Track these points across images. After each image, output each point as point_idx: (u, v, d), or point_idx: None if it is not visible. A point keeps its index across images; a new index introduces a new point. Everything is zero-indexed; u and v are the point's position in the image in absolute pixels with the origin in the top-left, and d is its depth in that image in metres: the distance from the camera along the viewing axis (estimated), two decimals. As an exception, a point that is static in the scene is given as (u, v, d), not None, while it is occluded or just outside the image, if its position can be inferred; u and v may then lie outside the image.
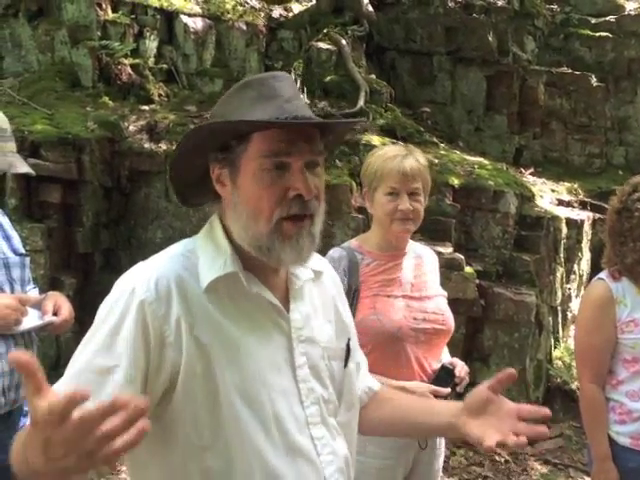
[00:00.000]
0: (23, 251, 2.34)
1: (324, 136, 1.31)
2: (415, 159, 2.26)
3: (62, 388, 1.12)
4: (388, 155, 2.22)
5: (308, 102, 5.02)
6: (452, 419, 1.37)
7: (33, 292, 2.39)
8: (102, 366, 1.18)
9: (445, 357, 2.36)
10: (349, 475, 1.40)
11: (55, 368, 4.55)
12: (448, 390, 2.18)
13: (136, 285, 1.23)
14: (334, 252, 2.25)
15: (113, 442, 0.87)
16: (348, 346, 1.46)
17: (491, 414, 1.31)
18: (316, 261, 1.41)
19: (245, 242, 1.27)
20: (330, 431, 1.35)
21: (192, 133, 1.28)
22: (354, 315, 1.92)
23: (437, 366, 2.23)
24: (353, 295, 2.17)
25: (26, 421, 2.30)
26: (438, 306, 2.31)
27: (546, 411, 1.29)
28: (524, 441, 1.24)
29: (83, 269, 4.80)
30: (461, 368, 2.23)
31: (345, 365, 1.43)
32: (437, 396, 2.14)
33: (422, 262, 2.37)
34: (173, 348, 1.19)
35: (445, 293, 2.41)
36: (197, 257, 1.28)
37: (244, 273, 1.27)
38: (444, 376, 2.20)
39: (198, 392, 1.21)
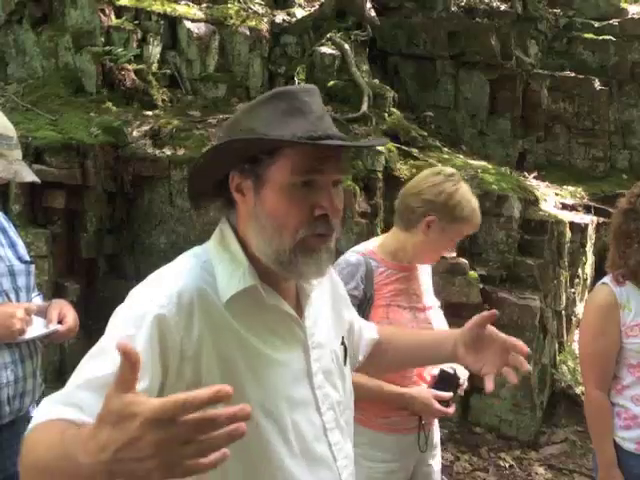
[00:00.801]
0: (28, 258, 2.34)
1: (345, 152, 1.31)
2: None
3: (70, 397, 1.09)
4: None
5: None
6: (455, 350, 1.55)
7: (37, 299, 2.39)
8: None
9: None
10: (354, 473, 1.43)
11: (59, 375, 4.55)
12: (450, 394, 2.22)
13: (155, 298, 1.20)
14: (351, 257, 2.25)
15: (209, 452, 0.84)
16: (343, 343, 1.47)
17: (487, 347, 1.51)
18: None
19: (265, 255, 1.25)
20: (343, 434, 1.37)
21: (225, 145, 1.24)
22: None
23: (435, 372, 2.25)
24: (367, 302, 2.20)
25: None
26: (439, 318, 2.38)
27: (524, 348, 1.48)
28: (513, 378, 1.50)
29: (87, 274, 4.81)
30: (461, 371, 2.24)
31: (345, 363, 1.45)
32: (440, 401, 2.20)
33: (421, 272, 2.39)
34: (192, 363, 1.17)
35: (438, 302, 2.46)
36: (212, 268, 1.26)
37: (261, 285, 1.26)
38: (444, 380, 2.23)
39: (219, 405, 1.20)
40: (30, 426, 1.08)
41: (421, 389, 2.22)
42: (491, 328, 1.51)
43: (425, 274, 2.43)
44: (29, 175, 2.25)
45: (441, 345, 1.61)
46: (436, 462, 2.43)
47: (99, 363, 1.13)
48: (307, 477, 1.26)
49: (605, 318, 2.36)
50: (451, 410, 2.25)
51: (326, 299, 1.46)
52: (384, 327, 1.82)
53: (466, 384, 2.29)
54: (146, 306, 1.19)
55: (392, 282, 2.26)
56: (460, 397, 2.25)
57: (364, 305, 2.17)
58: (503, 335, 1.50)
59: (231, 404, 1.17)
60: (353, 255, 2.26)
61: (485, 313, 1.50)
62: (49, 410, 1.07)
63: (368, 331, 1.68)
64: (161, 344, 1.15)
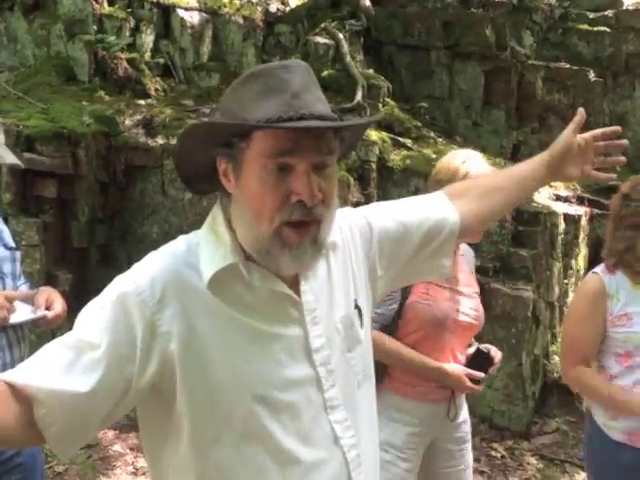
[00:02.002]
0: (13, 245, 2.33)
1: (337, 133, 1.22)
2: (480, 161, 2.51)
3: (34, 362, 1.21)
4: (487, 169, 2.42)
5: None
6: (548, 169, 1.56)
7: (23, 287, 2.38)
8: (82, 340, 1.19)
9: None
10: (374, 456, 1.39)
11: (51, 363, 4.54)
12: (482, 374, 2.35)
13: (125, 279, 1.22)
14: None
15: None
16: (357, 306, 1.39)
17: (575, 155, 1.53)
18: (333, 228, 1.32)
19: (246, 242, 1.22)
20: (355, 411, 1.31)
21: (190, 130, 1.22)
22: (408, 297, 2.31)
23: (471, 350, 2.42)
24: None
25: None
26: (476, 304, 2.48)
27: (617, 129, 1.56)
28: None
29: (79, 264, 4.78)
30: (495, 352, 2.41)
31: (361, 325, 1.37)
32: (471, 380, 2.34)
33: (464, 260, 2.52)
34: (165, 339, 1.17)
35: (478, 290, 2.57)
36: (198, 250, 1.25)
37: (246, 264, 1.23)
38: (478, 359, 2.36)
39: (200, 388, 1.19)
40: None
41: (456, 366, 2.34)
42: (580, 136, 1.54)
43: (469, 262, 2.57)
44: (9, 157, 2.24)
45: (532, 178, 1.60)
46: (465, 456, 2.57)
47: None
48: (302, 455, 1.23)
49: (592, 306, 2.38)
50: (480, 388, 2.39)
51: (346, 268, 1.39)
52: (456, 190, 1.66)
53: (498, 364, 2.44)
54: (116, 285, 1.23)
55: None
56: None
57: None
58: (587, 136, 1.55)
59: (216, 384, 1.18)
60: None
61: (577, 120, 1.54)
62: None
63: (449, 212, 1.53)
64: (128, 318, 1.18)
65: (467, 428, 2.58)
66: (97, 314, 1.21)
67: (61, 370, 1.17)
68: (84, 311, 1.23)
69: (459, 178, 2.28)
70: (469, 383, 2.32)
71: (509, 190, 1.58)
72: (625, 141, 1.56)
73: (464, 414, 2.54)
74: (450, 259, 1.57)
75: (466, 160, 2.39)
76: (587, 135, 1.54)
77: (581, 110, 1.51)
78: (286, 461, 1.22)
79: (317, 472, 1.25)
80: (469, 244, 2.55)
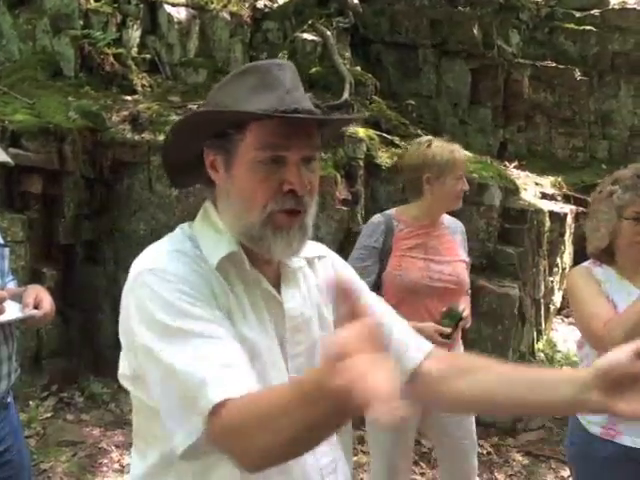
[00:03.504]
0: (1, 241, 2.31)
1: (320, 129, 1.28)
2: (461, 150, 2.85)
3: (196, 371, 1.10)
4: (450, 148, 2.77)
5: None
6: (580, 395, 1.12)
7: (11, 284, 2.36)
8: (198, 319, 1.15)
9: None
10: (346, 461, 1.40)
11: (36, 360, 4.51)
12: (449, 330, 2.60)
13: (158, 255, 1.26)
14: (374, 218, 2.80)
15: None
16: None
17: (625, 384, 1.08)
18: (312, 248, 1.41)
19: (236, 230, 1.26)
20: None
21: (188, 119, 1.25)
22: (384, 269, 2.67)
23: (443, 309, 2.65)
24: (386, 253, 2.70)
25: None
26: (455, 269, 2.76)
27: None
28: None
29: (64, 261, 4.75)
30: (464, 307, 2.70)
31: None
32: (441, 335, 2.57)
33: (447, 232, 2.83)
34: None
35: (466, 259, 2.88)
36: (197, 241, 1.27)
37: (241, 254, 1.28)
38: (449, 315, 2.62)
39: None
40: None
41: (427, 324, 2.57)
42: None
43: (454, 234, 2.86)
44: (1, 155, 2.22)
45: (553, 388, 1.17)
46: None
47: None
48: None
49: (588, 275, 2.37)
50: (449, 342, 2.60)
51: (320, 283, 1.40)
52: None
53: (469, 321, 2.76)
54: (154, 259, 1.25)
55: (410, 237, 2.73)
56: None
57: (383, 255, 2.70)
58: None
59: None
60: (377, 217, 2.80)
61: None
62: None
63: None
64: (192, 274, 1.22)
65: None
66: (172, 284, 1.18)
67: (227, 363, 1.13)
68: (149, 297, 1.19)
69: (428, 161, 2.68)
70: (439, 338, 2.54)
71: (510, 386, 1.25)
72: None
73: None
74: None
75: (431, 143, 2.76)
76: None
77: None
78: None
79: (288, 473, 1.24)
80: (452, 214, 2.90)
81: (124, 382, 1.33)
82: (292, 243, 1.25)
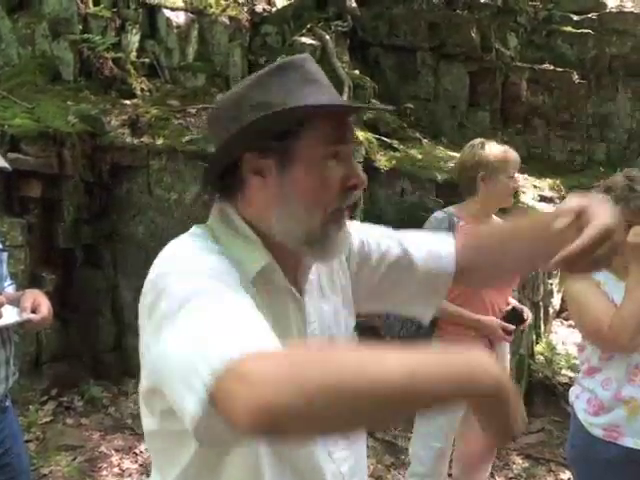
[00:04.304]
0: (0, 246, 2.31)
1: None
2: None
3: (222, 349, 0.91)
4: (503, 149, 3.01)
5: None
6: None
7: (10, 288, 2.36)
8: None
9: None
10: (363, 465, 1.38)
11: (36, 365, 4.51)
12: (513, 327, 2.95)
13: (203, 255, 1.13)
14: (438, 214, 3.02)
15: None
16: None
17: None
18: None
19: (293, 238, 1.17)
20: None
21: (258, 121, 1.13)
22: None
23: (507, 308, 3.00)
24: None
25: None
26: None
27: None
28: None
29: (64, 265, 4.76)
30: (527, 311, 3.05)
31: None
32: (504, 330, 2.95)
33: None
34: None
35: None
36: (226, 247, 1.17)
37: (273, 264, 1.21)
38: (512, 315, 2.98)
39: None
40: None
41: (492, 318, 2.94)
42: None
43: None
44: None
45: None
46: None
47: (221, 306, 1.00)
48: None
49: (589, 284, 2.35)
50: (510, 338, 3.01)
51: (332, 273, 1.36)
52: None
53: (530, 322, 3.13)
54: (202, 259, 1.11)
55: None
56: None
57: None
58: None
59: None
60: (440, 213, 3.02)
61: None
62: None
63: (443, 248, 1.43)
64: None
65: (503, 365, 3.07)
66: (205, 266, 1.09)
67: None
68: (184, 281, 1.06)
69: (483, 160, 2.92)
70: (501, 333, 2.93)
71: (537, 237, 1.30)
72: None
73: (504, 363, 3.11)
74: (440, 301, 1.48)
75: (484, 144, 2.99)
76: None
77: None
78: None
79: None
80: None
81: (142, 404, 1.23)
82: (347, 239, 1.23)
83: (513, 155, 3.02)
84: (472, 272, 1.41)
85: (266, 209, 1.18)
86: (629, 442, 2.31)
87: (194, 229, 1.22)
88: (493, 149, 3.01)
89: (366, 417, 0.85)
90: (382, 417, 0.88)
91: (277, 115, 1.12)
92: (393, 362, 0.85)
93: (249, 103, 1.16)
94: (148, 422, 1.21)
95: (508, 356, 3.18)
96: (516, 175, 3.06)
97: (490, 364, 0.88)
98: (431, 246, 1.43)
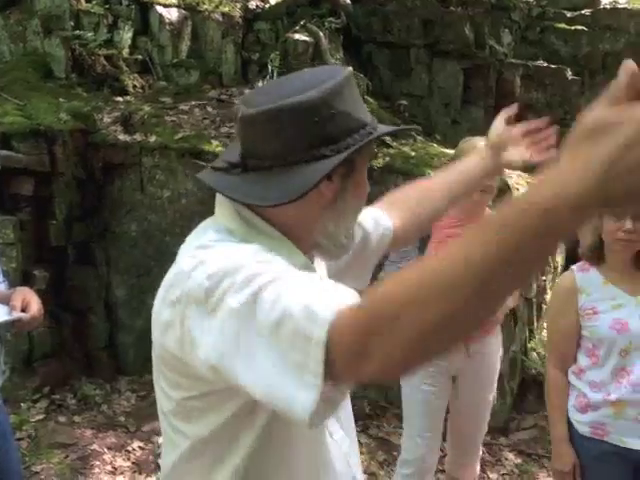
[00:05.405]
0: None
1: None
2: None
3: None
4: (471, 140, 2.93)
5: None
6: (485, 167, 1.77)
7: (2, 286, 2.35)
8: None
9: None
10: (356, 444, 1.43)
11: (28, 363, 4.50)
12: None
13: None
14: None
15: None
16: None
17: (509, 146, 1.75)
18: None
19: (334, 238, 1.26)
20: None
21: (376, 136, 1.22)
22: (423, 255, 2.85)
23: None
24: (425, 240, 2.89)
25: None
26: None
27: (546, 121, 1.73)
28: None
29: (56, 262, 4.74)
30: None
31: None
32: None
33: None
34: None
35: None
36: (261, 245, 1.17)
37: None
38: None
39: None
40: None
41: None
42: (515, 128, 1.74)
43: None
44: None
45: (468, 172, 1.78)
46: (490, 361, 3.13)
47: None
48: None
49: (564, 301, 2.46)
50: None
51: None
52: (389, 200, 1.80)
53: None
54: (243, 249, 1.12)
55: (448, 227, 2.88)
56: None
57: (422, 242, 2.88)
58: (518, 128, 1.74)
59: None
60: None
61: (507, 111, 1.81)
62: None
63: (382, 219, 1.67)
64: None
65: (492, 360, 3.12)
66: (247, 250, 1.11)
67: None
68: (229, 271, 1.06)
69: (461, 153, 2.79)
70: None
71: (447, 189, 1.74)
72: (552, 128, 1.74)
73: (489, 349, 3.05)
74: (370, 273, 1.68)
75: (472, 138, 2.93)
76: (518, 130, 1.77)
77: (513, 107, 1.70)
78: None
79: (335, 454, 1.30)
80: None
81: (170, 418, 1.23)
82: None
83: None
84: (404, 223, 1.68)
85: (313, 212, 1.22)
86: (615, 439, 2.34)
87: (211, 233, 1.19)
88: (474, 142, 2.90)
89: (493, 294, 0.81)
90: (508, 285, 0.82)
91: (374, 136, 1.21)
92: (479, 239, 0.79)
93: (330, 110, 1.16)
94: (178, 430, 1.22)
95: (496, 340, 3.15)
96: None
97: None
98: (371, 215, 1.63)
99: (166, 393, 1.21)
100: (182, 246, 1.22)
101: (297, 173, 1.14)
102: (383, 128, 1.25)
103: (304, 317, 0.92)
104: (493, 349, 3.13)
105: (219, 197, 1.24)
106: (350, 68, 1.25)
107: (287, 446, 1.20)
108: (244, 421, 1.16)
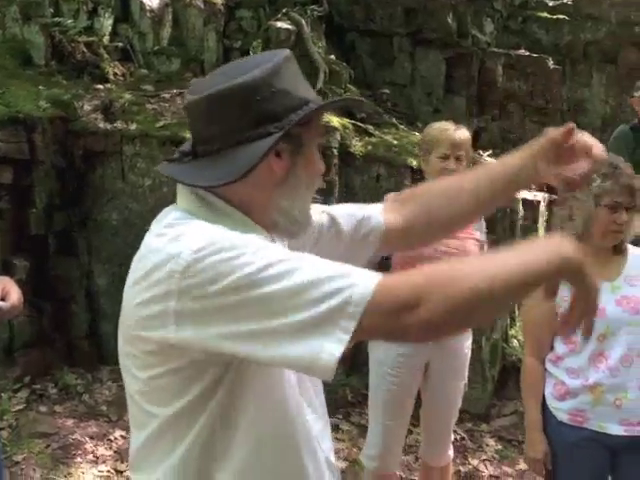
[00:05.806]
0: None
1: None
2: (462, 132, 2.94)
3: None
4: (442, 127, 2.89)
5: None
6: (533, 170, 1.55)
7: (-20, 275, 2.33)
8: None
9: None
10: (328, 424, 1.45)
11: (8, 352, 4.47)
12: None
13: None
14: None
15: None
16: None
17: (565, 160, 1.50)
18: None
19: (286, 216, 1.28)
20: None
21: (307, 113, 1.23)
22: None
23: None
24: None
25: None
26: (463, 244, 2.90)
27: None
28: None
29: (37, 252, 4.70)
30: None
31: None
32: None
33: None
34: None
35: (481, 238, 3.09)
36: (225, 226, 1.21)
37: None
38: None
39: None
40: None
41: None
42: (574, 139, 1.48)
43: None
44: None
45: (521, 168, 1.57)
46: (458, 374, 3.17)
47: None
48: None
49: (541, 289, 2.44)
50: None
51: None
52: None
53: None
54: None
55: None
56: None
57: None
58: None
59: None
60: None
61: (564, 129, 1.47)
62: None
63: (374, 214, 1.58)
64: None
65: (461, 348, 3.14)
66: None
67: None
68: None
69: (419, 140, 2.89)
70: None
71: (475, 190, 1.55)
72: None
73: (458, 337, 3.03)
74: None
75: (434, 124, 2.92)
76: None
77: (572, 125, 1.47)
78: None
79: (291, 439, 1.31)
80: None
81: (137, 399, 1.25)
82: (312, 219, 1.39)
83: (448, 135, 2.85)
84: (409, 223, 1.57)
85: (266, 189, 1.25)
86: (594, 425, 2.37)
87: (173, 213, 1.23)
88: (431, 128, 2.92)
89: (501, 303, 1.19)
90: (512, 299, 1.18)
91: (314, 109, 1.24)
92: (508, 259, 1.19)
93: (270, 89, 1.20)
94: (147, 410, 1.24)
95: (469, 340, 3.20)
96: (459, 154, 2.88)
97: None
98: (361, 211, 1.58)
99: (134, 374, 1.24)
100: (146, 234, 1.25)
101: (243, 152, 1.19)
102: (325, 103, 1.31)
103: (340, 277, 1.06)
104: (462, 337, 3.12)
105: (178, 186, 1.28)
106: (288, 50, 1.31)
107: (253, 425, 1.22)
108: (206, 402, 1.19)
